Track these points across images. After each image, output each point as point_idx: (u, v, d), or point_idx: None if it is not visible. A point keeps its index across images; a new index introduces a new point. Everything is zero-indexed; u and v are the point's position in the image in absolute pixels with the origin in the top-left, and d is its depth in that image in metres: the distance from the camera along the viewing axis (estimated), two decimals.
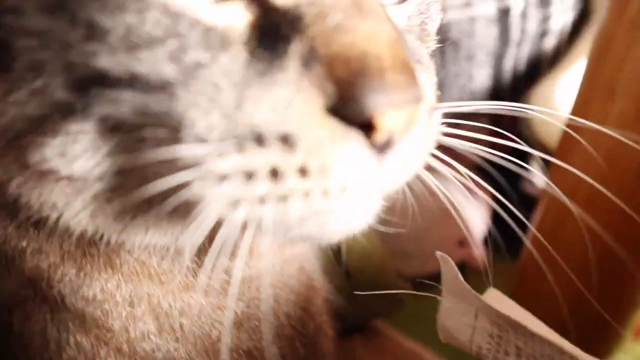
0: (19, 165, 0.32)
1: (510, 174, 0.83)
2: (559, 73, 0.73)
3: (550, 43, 0.74)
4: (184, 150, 0.29)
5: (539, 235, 0.56)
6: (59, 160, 0.31)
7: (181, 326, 0.41)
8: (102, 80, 0.28)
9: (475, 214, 0.81)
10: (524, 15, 0.71)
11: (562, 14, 0.73)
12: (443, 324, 0.43)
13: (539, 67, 0.75)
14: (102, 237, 0.36)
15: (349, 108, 0.28)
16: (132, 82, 0.28)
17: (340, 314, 0.55)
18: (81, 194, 0.33)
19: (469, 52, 0.71)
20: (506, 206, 0.80)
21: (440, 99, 0.78)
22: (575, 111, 0.59)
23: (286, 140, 0.29)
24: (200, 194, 0.29)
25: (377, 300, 0.64)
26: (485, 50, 0.71)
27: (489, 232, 0.84)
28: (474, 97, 0.74)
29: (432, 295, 0.43)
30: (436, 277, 0.48)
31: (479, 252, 0.80)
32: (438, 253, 0.42)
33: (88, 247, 0.38)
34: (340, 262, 0.60)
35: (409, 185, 0.46)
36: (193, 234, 0.30)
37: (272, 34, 0.30)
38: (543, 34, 0.73)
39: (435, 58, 0.72)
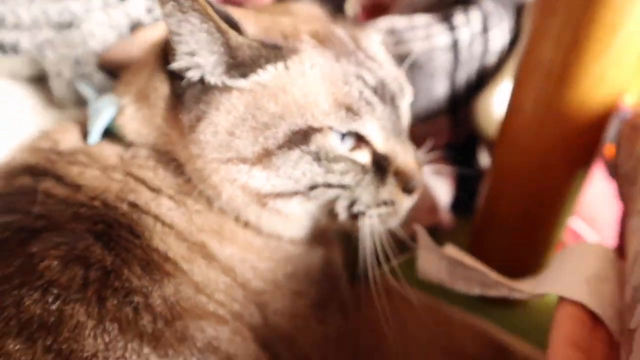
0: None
1: (468, 155, 1.10)
2: (497, 83, 0.99)
3: (491, 59, 0.98)
4: (356, 208, 0.67)
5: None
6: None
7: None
8: (325, 186, 0.63)
9: (442, 188, 1.07)
10: (470, 43, 0.96)
11: (500, 38, 0.98)
12: (420, 266, 0.70)
13: (485, 77, 1.00)
14: None
15: (408, 189, 0.67)
16: (339, 186, 0.64)
17: (351, 265, 0.81)
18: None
19: (430, 72, 0.95)
20: (465, 179, 1.06)
21: (412, 104, 1.04)
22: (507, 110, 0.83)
23: (392, 203, 0.67)
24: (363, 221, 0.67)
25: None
26: (442, 69, 0.95)
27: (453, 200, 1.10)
28: (436, 103, 0.99)
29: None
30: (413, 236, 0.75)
31: (447, 217, 1.07)
32: (414, 224, 0.69)
33: None
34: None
35: None
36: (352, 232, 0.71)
37: (379, 164, 0.66)
38: (485, 52, 0.98)
39: (406, 76, 0.98)
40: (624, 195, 0.66)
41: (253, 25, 0.63)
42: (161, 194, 0.63)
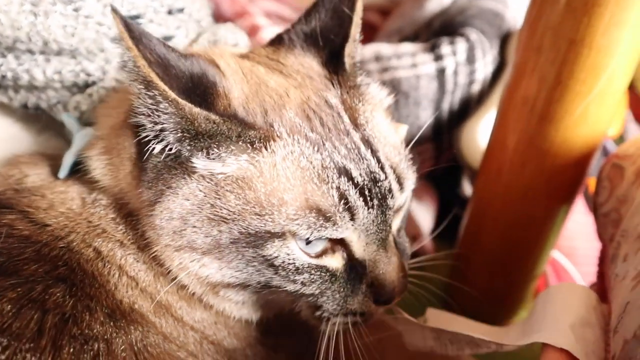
0: None
1: (451, 183, 1.10)
2: (481, 112, 1.00)
3: (476, 89, 0.99)
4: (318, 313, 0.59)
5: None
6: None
7: None
8: (281, 291, 0.57)
9: (424, 214, 1.07)
10: (455, 72, 0.96)
11: (484, 68, 0.99)
12: (406, 340, 0.69)
13: (469, 106, 1.01)
14: None
15: (382, 302, 0.58)
16: (298, 295, 0.57)
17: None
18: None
19: (416, 100, 0.96)
20: (447, 206, 1.07)
21: None
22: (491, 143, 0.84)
23: (362, 314, 0.59)
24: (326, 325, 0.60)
25: None
26: (428, 98, 0.96)
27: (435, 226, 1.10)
28: (420, 130, 0.99)
29: None
30: None
31: (428, 243, 1.07)
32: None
33: None
34: None
35: None
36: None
37: (354, 269, 0.57)
38: (470, 82, 0.98)
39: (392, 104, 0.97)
40: (604, 236, 0.67)
41: (240, 82, 0.57)
42: (124, 247, 0.59)
